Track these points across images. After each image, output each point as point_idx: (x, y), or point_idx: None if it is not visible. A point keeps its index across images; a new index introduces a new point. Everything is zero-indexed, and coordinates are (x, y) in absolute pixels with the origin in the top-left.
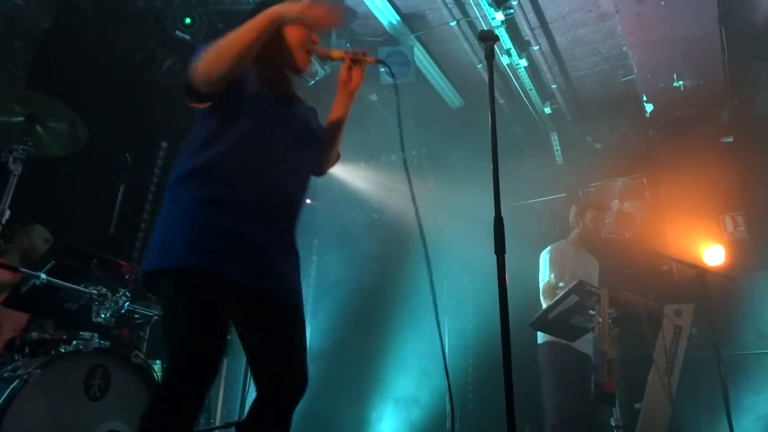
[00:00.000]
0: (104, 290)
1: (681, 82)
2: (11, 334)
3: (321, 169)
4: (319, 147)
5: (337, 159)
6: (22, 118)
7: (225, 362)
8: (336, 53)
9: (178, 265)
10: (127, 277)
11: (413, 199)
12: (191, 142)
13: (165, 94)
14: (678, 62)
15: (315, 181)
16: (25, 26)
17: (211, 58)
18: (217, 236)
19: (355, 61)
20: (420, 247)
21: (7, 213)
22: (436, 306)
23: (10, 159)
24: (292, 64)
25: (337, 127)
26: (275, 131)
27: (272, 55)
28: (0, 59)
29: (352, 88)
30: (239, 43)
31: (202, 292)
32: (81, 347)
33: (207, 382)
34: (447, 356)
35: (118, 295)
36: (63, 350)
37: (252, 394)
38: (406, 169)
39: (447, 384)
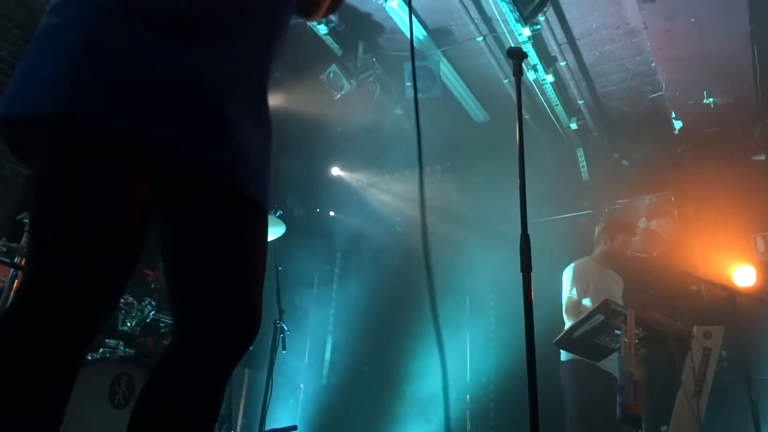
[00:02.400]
0: (130, 299)
1: (711, 99)
2: None
3: (314, 6)
4: None
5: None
6: None
7: (246, 372)
8: None
9: (39, 112)
10: (152, 286)
11: (422, 208)
12: None
13: None
14: (708, 79)
15: (337, 194)
16: None
17: None
18: (114, 63)
19: None
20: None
21: None
22: (437, 325)
23: None
24: None
25: None
26: None
27: None
28: None
29: None
30: None
31: (86, 157)
32: (107, 355)
33: (91, 306)
34: (469, 372)
35: (143, 303)
36: (89, 358)
37: (276, 404)
38: (421, 178)
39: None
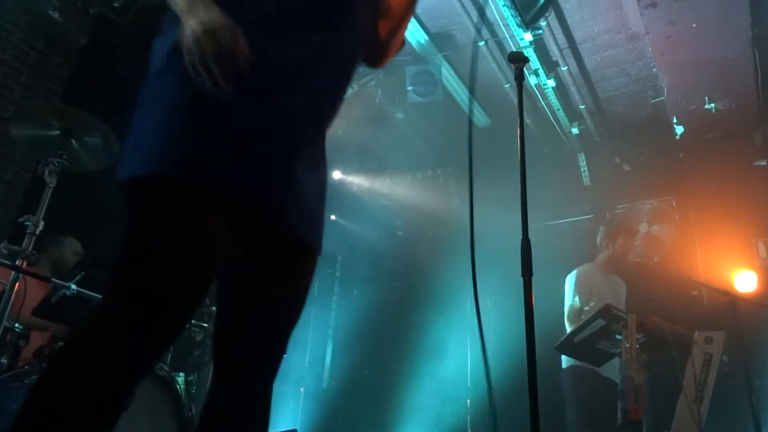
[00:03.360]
0: None
1: (712, 105)
2: (40, 344)
3: (379, 57)
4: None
5: (399, 48)
6: (58, 132)
7: None
8: None
9: (149, 173)
10: None
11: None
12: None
13: None
14: (709, 84)
15: (338, 198)
16: (63, 43)
17: None
18: (213, 132)
19: None
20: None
21: (41, 224)
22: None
23: (46, 172)
24: None
25: (401, 3)
26: None
27: None
28: (39, 75)
29: None
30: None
31: (180, 209)
32: None
33: (157, 339)
34: (469, 377)
35: None
36: None
37: (277, 408)
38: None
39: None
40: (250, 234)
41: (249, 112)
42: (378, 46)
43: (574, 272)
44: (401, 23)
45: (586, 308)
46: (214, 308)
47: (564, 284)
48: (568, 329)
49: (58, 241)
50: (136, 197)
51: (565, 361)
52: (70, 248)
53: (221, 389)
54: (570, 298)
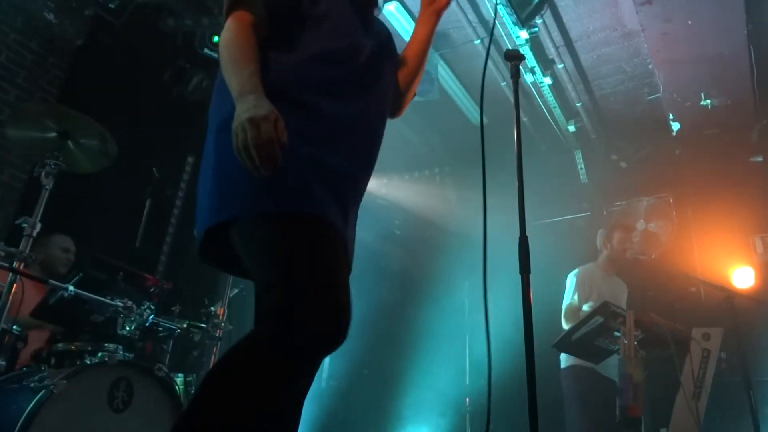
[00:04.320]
0: (130, 303)
1: (709, 101)
2: (38, 345)
3: (399, 106)
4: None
5: (412, 97)
6: (54, 134)
7: None
8: None
9: (278, 211)
10: (152, 290)
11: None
12: None
13: (192, 111)
14: (705, 81)
15: None
16: (59, 44)
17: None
18: (319, 173)
19: None
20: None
21: (38, 226)
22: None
23: (42, 173)
24: None
25: (416, 55)
26: (352, 51)
27: None
28: (34, 76)
29: (440, 6)
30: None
31: (315, 237)
32: (106, 359)
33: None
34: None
35: (143, 308)
36: (88, 362)
37: None
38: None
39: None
40: None
41: (327, 156)
42: (397, 98)
43: (576, 271)
44: (416, 74)
45: (584, 307)
46: (213, 309)
47: (562, 281)
48: (565, 327)
49: (44, 242)
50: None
51: (565, 360)
52: (57, 245)
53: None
54: (569, 296)
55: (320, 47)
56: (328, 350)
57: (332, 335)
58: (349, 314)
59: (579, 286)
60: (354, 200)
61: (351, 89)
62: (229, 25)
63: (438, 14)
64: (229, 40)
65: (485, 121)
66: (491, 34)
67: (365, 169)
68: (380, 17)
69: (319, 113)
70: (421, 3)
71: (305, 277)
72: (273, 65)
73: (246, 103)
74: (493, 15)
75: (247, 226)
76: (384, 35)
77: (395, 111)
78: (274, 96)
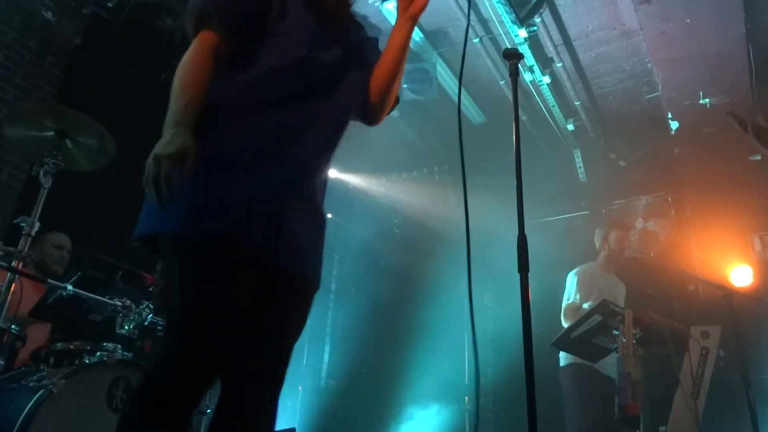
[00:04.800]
0: (128, 302)
1: (707, 100)
2: (37, 345)
3: (376, 112)
4: (369, 86)
5: (396, 103)
6: (52, 133)
7: None
8: None
9: (180, 230)
10: (150, 289)
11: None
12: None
13: None
14: (704, 80)
15: (335, 196)
16: (57, 43)
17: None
18: (229, 194)
19: None
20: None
21: (37, 225)
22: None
23: (41, 172)
24: None
25: (390, 61)
26: (310, 59)
27: None
28: (33, 75)
29: (415, 11)
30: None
31: (213, 265)
32: (105, 358)
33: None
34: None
35: (141, 307)
36: (87, 361)
37: None
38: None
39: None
40: (254, 276)
41: (255, 173)
42: (371, 105)
43: (575, 270)
44: (392, 80)
45: (584, 305)
46: None
47: (561, 280)
48: (565, 325)
49: (38, 240)
50: (172, 253)
51: (564, 358)
52: (50, 243)
53: (231, 399)
54: (570, 295)
55: (271, 63)
56: (192, 397)
57: (192, 391)
58: (206, 371)
59: (580, 286)
60: (301, 201)
61: (296, 101)
62: (192, 45)
63: (413, 19)
64: (184, 63)
65: (484, 119)
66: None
67: (310, 173)
68: (375, 22)
69: (254, 129)
70: (397, 9)
71: (179, 337)
72: (226, 84)
73: (164, 137)
74: (492, 14)
75: (162, 244)
76: (357, 42)
77: (372, 117)
78: (213, 116)
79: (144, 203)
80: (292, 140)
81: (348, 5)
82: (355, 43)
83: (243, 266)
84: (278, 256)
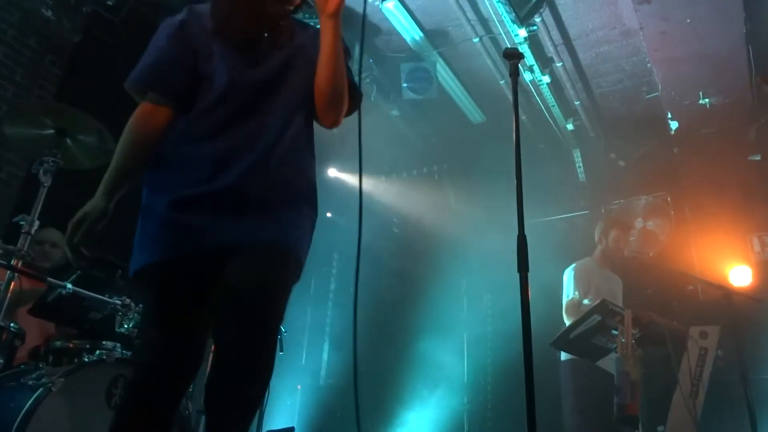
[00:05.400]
0: (128, 301)
1: (707, 100)
2: (36, 343)
3: (324, 115)
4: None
5: (345, 102)
6: (52, 131)
7: None
8: None
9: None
10: None
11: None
12: None
13: None
14: (704, 80)
15: (334, 195)
16: (57, 42)
17: None
18: (150, 227)
19: None
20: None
21: (36, 224)
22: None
23: (41, 171)
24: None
25: (325, 61)
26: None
27: None
28: (32, 73)
29: (331, 8)
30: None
31: (148, 289)
32: (104, 357)
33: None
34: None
35: (141, 305)
36: (86, 359)
37: (274, 405)
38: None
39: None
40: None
41: (181, 218)
42: (318, 107)
43: (573, 266)
44: (330, 82)
45: (585, 301)
46: None
47: (561, 279)
48: (567, 322)
49: (36, 239)
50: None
51: (565, 353)
52: (45, 240)
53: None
54: (570, 292)
55: (205, 100)
56: (157, 389)
57: (149, 383)
58: (166, 363)
59: (578, 281)
60: (249, 208)
61: (231, 125)
62: (133, 114)
63: (334, 17)
64: (125, 131)
65: (484, 119)
66: None
67: (258, 181)
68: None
69: (185, 157)
70: (317, 11)
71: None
72: (171, 129)
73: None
74: (492, 13)
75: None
76: (297, 48)
77: (323, 119)
78: (156, 158)
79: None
80: (226, 160)
81: (268, 24)
82: (295, 49)
83: (167, 275)
84: (204, 240)
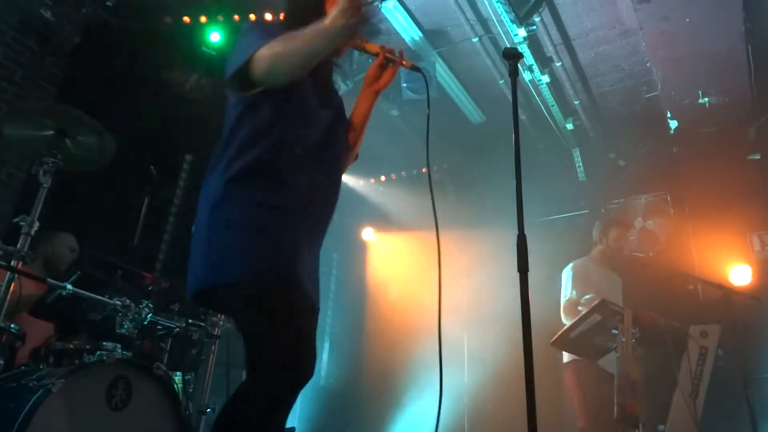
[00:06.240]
0: (128, 301)
1: (706, 99)
2: (36, 344)
3: (348, 161)
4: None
5: (354, 159)
6: (52, 132)
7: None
8: (372, 47)
9: (260, 281)
10: (150, 288)
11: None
12: (232, 137)
13: (190, 109)
14: (703, 79)
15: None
16: (56, 43)
17: (282, 58)
18: (287, 246)
19: (389, 61)
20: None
21: (36, 224)
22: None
23: (40, 172)
24: (333, 50)
25: (358, 126)
26: (315, 126)
27: None
28: (32, 74)
29: (380, 87)
30: (314, 53)
31: (288, 303)
32: (104, 358)
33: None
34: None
35: (141, 306)
36: (86, 360)
37: None
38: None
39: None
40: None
41: (298, 229)
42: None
43: (570, 265)
44: (360, 137)
45: (582, 301)
46: None
47: (560, 279)
48: (565, 322)
49: (49, 237)
50: (249, 300)
51: (567, 355)
52: (64, 244)
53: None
54: (568, 292)
55: (294, 124)
56: (296, 392)
57: (297, 383)
58: (310, 363)
59: (576, 281)
60: (317, 244)
61: (313, 158)
62: (260, 57)
63: (378, 94)
64: (275, 54)
65: (483, 119)
66: None
67: (326, 218)
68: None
69: (293, 186)
70: (364, 81)
71: (280, 338)
72: (264, 140)
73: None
74: (491, 13)
75: (237, 289)
76: (338, 103)
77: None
78: (261, 173)
79: (189, 264)
80: (316, 195)
81: (332, 70)
82: (337, 103)
83: (303, 302)
84: (312, 294)
